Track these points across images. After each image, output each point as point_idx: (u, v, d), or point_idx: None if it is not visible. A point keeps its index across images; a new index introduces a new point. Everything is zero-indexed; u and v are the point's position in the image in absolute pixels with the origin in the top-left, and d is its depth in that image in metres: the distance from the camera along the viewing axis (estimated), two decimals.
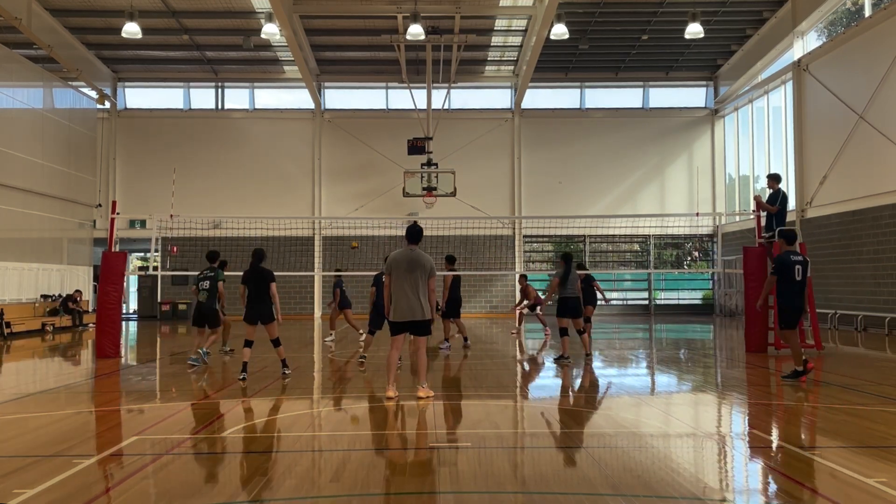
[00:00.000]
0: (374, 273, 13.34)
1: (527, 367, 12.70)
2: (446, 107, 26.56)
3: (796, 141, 22.35)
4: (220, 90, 28.85)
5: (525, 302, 18.34)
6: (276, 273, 10.44)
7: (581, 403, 8.82)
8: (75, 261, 24.57)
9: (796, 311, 9.93)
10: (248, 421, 7.53)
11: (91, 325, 15.25)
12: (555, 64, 27.31)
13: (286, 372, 10.46)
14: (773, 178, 13.74)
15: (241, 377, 9.95)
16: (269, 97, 29.19)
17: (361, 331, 14.75)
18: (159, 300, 27.29)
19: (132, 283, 28.23)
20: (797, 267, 9.80)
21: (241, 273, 10.57)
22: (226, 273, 12.71)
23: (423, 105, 24.77)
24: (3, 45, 20.51)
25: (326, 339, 16.40)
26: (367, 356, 12.31)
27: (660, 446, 6.32)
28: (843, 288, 19.97)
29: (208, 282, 11.99)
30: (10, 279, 20.34)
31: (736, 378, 10.24)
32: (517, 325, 18.90)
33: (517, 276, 18.28)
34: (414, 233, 8.59)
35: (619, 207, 27.87)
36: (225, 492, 5.01)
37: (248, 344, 10.25)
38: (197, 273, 12.51)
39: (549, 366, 12.19)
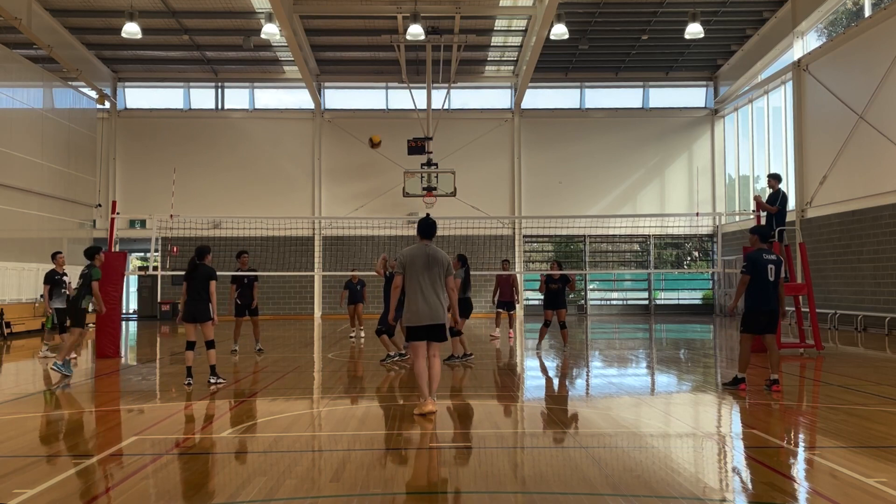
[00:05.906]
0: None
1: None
2: (446, 107, 26.55)
3: (796, 141, 22.35)
4: (220, 90, 28.85)
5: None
6: (276, 273, 10.19)
7: (579, 403, 8.81)
8: (75, 261, 24.46)
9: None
10: (248, 421, 7.52)
11: (91, 325, 15.22)
12: (555, 64, 27.30)
13: (212, 381, 9.50)
14: (774, 178, 13.72)
15: (187, 382, 9.42)
16: (269, 97, 29.18)
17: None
18: (159, 300, 27.30)
19: (132, 283, 28.21)
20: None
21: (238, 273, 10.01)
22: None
23: (422, 105, 24.75)
24: (3, 45, 20.49)
25: (351, 336, 16.81)
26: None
27: (660, 446, 6.32)
28: (843, 288, 19.97)
29: None
30: (10, 279, 20.33)
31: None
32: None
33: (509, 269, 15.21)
34: (427, 227, 7.67)
35: (619, 207, 27.88)
36: (225, 492, 5.00)
37: (190, 346, 9.56)
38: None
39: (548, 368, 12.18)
